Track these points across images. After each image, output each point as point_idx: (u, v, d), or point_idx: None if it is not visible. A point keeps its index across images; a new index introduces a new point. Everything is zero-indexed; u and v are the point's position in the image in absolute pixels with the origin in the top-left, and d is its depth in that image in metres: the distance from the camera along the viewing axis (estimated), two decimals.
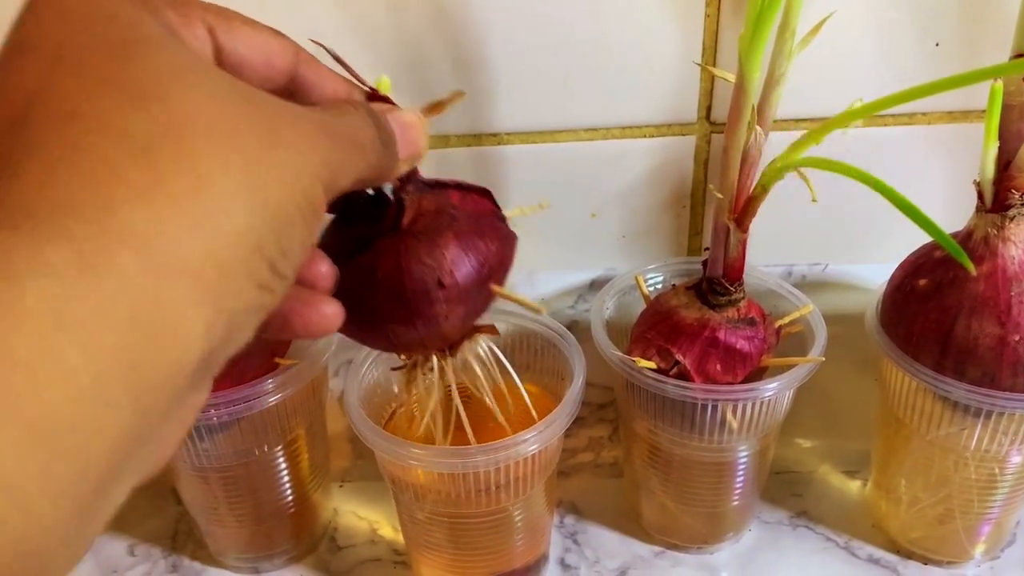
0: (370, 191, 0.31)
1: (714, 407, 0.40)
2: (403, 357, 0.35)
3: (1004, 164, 0.37)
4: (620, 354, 0.41)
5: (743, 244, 0.39)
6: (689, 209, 0.49)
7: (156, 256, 0.17)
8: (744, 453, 0.43)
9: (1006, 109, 0.36)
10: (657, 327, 0.41)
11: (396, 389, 0.44)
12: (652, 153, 0.47)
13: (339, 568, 0.49)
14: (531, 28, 0.43)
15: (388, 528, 0.51)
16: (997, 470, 0.41)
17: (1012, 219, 0.38)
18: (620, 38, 0.43)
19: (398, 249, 0.30)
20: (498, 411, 0.36)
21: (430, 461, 0.36)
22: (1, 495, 0.15)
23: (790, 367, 0.40)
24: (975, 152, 0.37)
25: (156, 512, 0.53)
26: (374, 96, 0.29)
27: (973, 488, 0.42)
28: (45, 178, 0.17)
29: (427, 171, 0.31)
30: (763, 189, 0.36)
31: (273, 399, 0.41)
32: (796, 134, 0.34)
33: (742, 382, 0.40)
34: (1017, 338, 0.37)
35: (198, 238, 0.18)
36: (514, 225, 0.33)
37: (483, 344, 0.34)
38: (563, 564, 0.48)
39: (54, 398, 0.16)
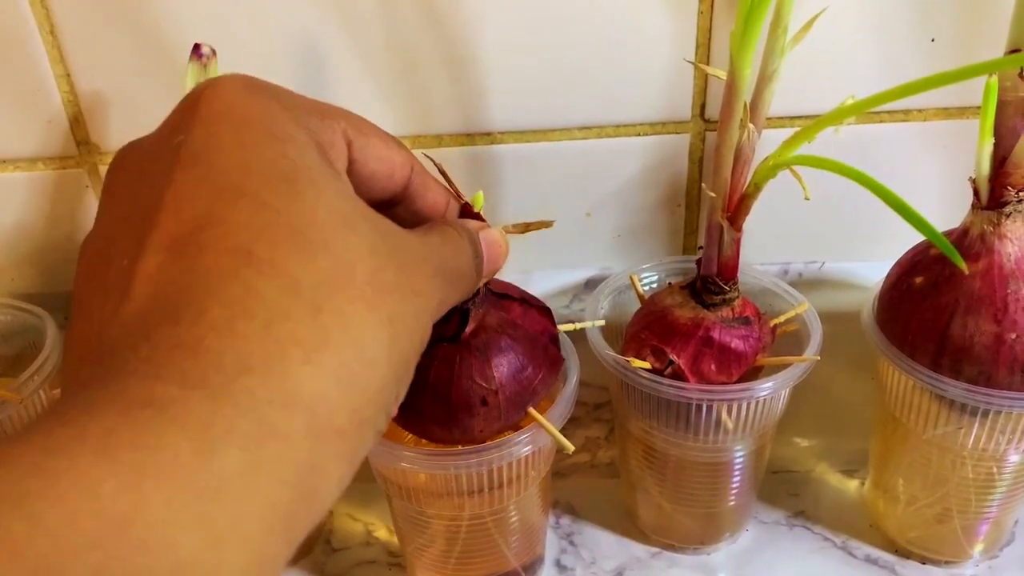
0: None
1: (709, 407, 0.40)
2: None
3: (1000, 161, 0.37)
4: (614, 354, 0.41)
5: (737, 243, 0.39)
6: (684, 208, 0.49)
7: (319, 420, 0.19)
8: (740, 453, 0.43)
9: (1001, 105, 0.36)
10: (651, 327, 0.40)
11: None
12: (646, 151, 0.47)
13: (335, 570, 0.49)
14: (524, 26, 0.43)
15: (383, 530, 0.51)
16: (995, 469, 0.41)
17: (1008, 216, 0.38)
18: (613, 36, 0.43)
19: (453, 359, 0.32)
20: None
21: (422, 463, 0.36)
22: None
23: (786, 366, 0.40)
24: (970, 149, 0.37)
25: None
26: (467, 210, 0.31)
27: (971, 487, 0.42)
28: (225, 327, 0.18)
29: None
30: (756, 187, 0.36)
31: None
32: (790, 131, 0.34)
33: (737, 381, 0.39)
34: (1013, 336, 0.37)
35: (348, 397, 0.20)
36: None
37: None
38: (559, 565, 0.48)
39: (235, 564, 0.17)
